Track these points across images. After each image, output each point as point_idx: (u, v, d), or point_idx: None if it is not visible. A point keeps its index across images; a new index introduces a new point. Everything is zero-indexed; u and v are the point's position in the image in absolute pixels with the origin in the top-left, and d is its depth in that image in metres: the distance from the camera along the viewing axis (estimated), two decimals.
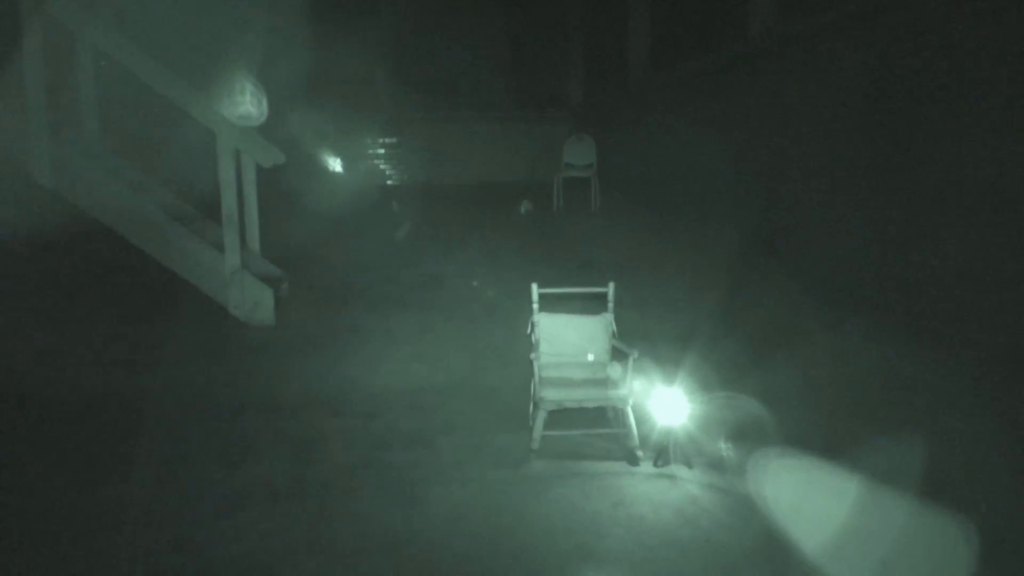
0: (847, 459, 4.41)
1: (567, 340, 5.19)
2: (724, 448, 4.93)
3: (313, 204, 9.63)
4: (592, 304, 5.35)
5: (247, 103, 6.24)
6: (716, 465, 4.85)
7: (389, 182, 13.26)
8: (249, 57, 9.87)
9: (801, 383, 5.21)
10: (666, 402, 4.90)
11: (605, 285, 5.23)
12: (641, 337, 5.57)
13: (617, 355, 5.17)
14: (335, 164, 12.52)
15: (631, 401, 4.89)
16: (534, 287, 5.17)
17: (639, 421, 4.92)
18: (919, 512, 3.96)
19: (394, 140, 13.18)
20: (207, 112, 6.42)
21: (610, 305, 5.21)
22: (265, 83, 9.73)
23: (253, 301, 6.59)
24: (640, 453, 4.87)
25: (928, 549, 3.84)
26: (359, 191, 12.05)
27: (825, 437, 4.68)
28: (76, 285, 6.03)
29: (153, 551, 3.84)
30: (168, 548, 3.87)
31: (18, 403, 5.03)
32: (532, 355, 4.96)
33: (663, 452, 4.83)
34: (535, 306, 5.18)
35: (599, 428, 5.20)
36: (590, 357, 5.07)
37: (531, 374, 5.03)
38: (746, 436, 4.96)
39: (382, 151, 13.21)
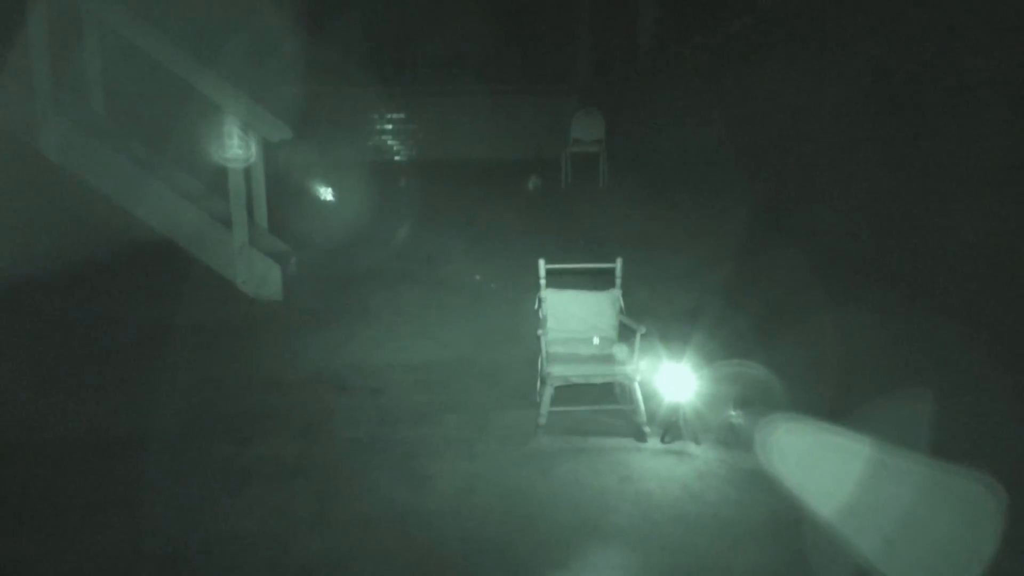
0: (854, 427, 4.41)
1: (574, 316, 5.17)
2: (733, 416, 4.93)
3: (321, 181, 9.63)
4: (600, 280, 5.32)
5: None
6: (725, 434, 4.85)
7: (397, 158, 13.23)
8: (255, 33, 9.84)
9: (809, 359, 5.19)
10: (673, 378, 4.89)
11: (612, 261, 5.21)
12: (649, 313, 5.56)
13: (624, 331, 5.15)
14: (339, 143, 12.48)
15: (638, 377, 4.87)
16: (541, 263, 5.14)
17: (646, 397, 4.91)
18: (926, 482, 3.96)
19: (402, 116, 13.13)
20: (213, 86, 6.39)
21: (618, 281, 5.19)
22: (269, 59, 9.71)
23: (261, 277, 6.61)
24: (647, 429, 4.86)
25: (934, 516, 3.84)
26: (366, 168, 12.02)
27: (832, 411, 4.67)
28: (83, 259, 6.04)
29: (161, 527, 3.86)
30: (175, 524, 3.89)
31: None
32: (539, 331, 4.94)
33: (670, 428, 4.83)
34: (542, 282, 5.15)
35: (606, 404, 5.20)
36: (596, 341, 5.04)
37: (538, 350, 5.02)
38: (754, 403, 4.95)
39: (390, 127, 13.17)
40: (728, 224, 7.13)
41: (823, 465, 4.49)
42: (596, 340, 5.04)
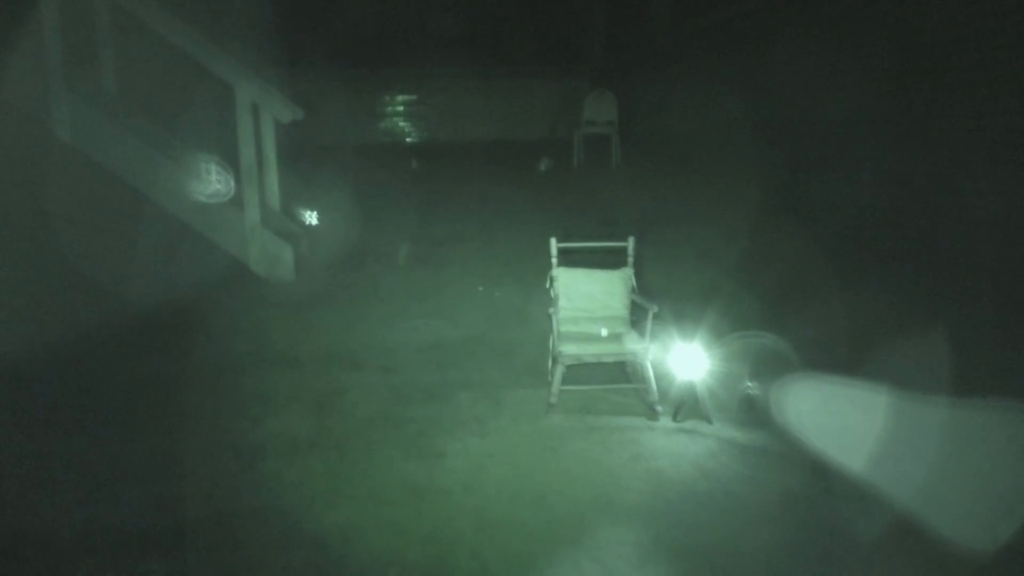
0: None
1: (586, 295, 5.17)
2: (750, 386, 4.92)
3: (334, 163, 9.62)
4: (612, 259, 5.31)
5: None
6: (741, 405, 4.85)
7: (409, 140, 13.20)
8: (266, 14, 9.82)
9: (822, 337, 5.16)
10: (685, 357, 4.88)
11: (624, 240, 5.19)
12: (661, 292, 5.55)
13: (637, 310, 5.14)
14: (351, 125, 12.45)
15: (650, 356, 4.87)
16: (553, 241, 5.14)
17: (658, 376, 4.90)
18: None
19: (413, 97, 13.09)
20: (225, 66, 6.39)
21: (629, 260, 5.17)
22: (281, 41, 9.69)
23: (273, 257, 6.62)
24: (659, 408, 4.86)
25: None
26: (378, 150, 12.01)
27: (847, 370, 4.68)
28: (95, 240, 6.06)
29: (176, 502, 3.88)
30: (191, 499, 3.92)
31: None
32: (551, 309, 4.94)
33: (682, 407, 4.83)
34: (554, 260, 5.15)
35: (618, 383, 5.20)
36: (604, 332, 5.00)
37: (549, 329, 5.02)
38: (769, 371, 4.94)
39: (401, 109, 13.13)
40: (742, 203, 7.09)
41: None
42: (604, 332, 5.01)
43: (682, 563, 3.48)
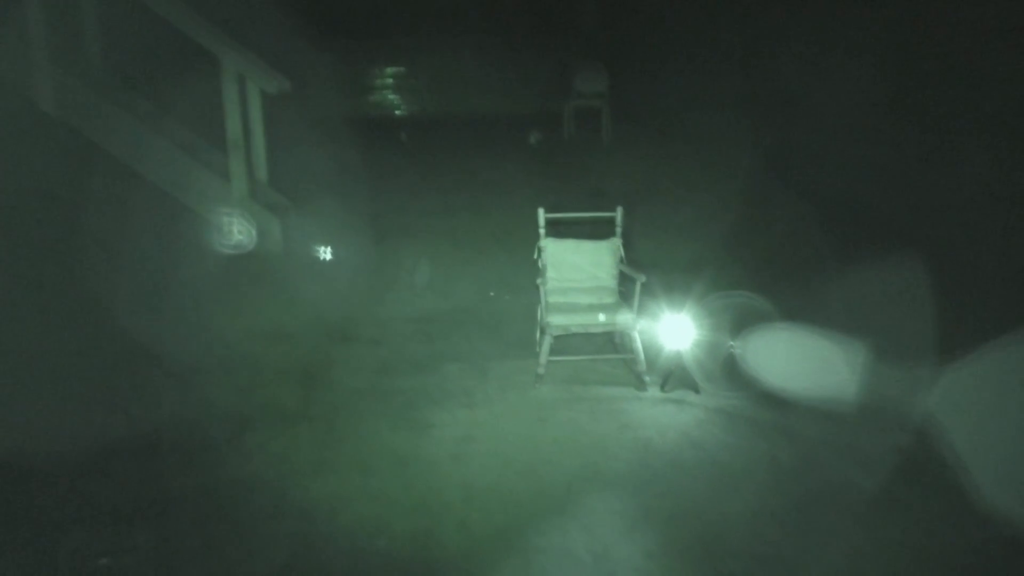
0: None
1: (574, 265, 5.15)
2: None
3: (322, 136, 9.53)
4: (600, 230, 5.29)
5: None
6: (725, 365, 4.87)
7: (398, 112, 13.09)
8: None
9: (811, 306, 5.17)
10: (673, 327, 4.88)
11: (613, 210, 5.17)
12: (650, 264, 5.53)
13: (625, 280, 5.13)
14: (339, 98, 12.32)
15: (638, 326, 4.86)
16: (541, 212, 5.11)
17: (646, 346, 4.90)
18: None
19: (402, 69, 12.97)
20: (210, 36, 6.30)
21: (618, 230, 5.15)
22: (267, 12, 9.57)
23: (261, 230, 6.57)
24: (647, 378, 4.86)
25: None
26: (367, 123, 11.91)
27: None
28: (82, 213, 6.01)
29: (163, 474, 3.88)
30: (177, 471, 3.91)
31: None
32: (538, 280, 4.92)
33: (670, 376, 4.83)
34: (542, 231, 5.13)
35: (606, 353, 5.20)
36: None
37: (538, 301, 5.00)
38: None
39: (390, 80, 13.02)
40: (734, 174, 7.06)
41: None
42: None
43: (669, 530, 3.49)
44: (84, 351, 5.14)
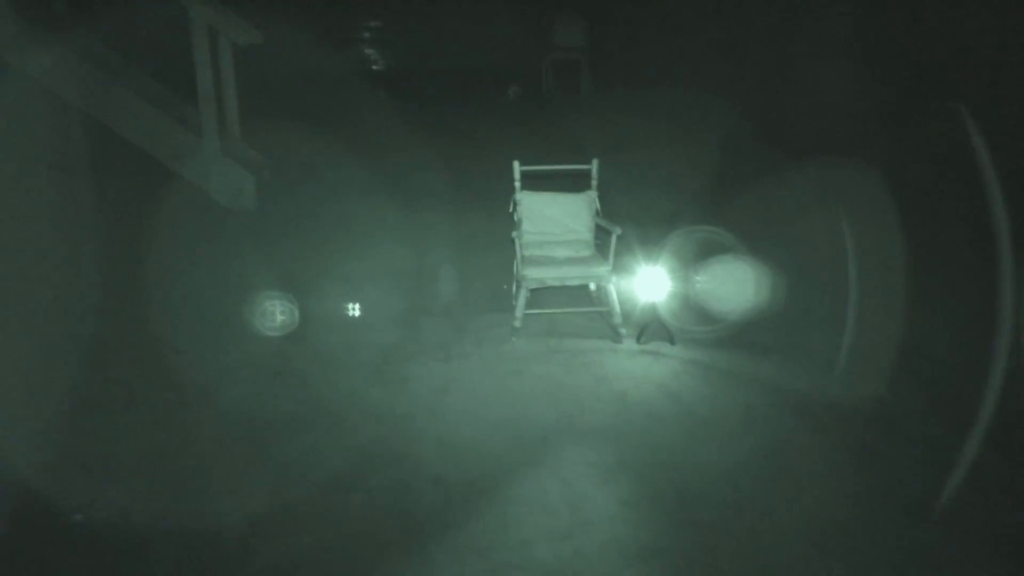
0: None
1: (550, 218, 5.12)
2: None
3: (297, 92, 9.39)
4: (577, 184, 5.25)
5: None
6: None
7: (375, 68, 12.91)
8: None
9: (786, 259, 5.18)
10: (649, 279, 4.87)
11: (589, 163, 5.13)
12: (627, 217, 5.51)
13: (601, 233, 5.11)
14: (314, 53, 12.11)
15: (614, 279, 4.85)
16: (516, 165, 5.06)
17: (622, 298, 4.90)
18: None
19: (379, 24, 12.76)
20: None
21: (594, 183, 5.12)
22: None
23: (235, 187, 6.49)
24: (623, 330, 4.86)
25: None
26: (343, 79, 11.74)
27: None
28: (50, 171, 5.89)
29: (135, 429, 3.86)
30: (150, 426, 3.89)
31: None
32: (514, 233, 4.89)
33: (646, 329, 4.83)
34: (517, 184, 5.08)
35: (582, 306, 5.19)
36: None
37: (514, 255, 4.98)
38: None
39: (367, 35, 12.82)
40: (714, 128, 7.01)
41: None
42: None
43: (644, 481, 3.51)
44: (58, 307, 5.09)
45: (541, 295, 4.99)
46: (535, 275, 4.78)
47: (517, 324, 4.82)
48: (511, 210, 5.10)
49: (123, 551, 3.06)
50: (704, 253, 5.11)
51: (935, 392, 4.22)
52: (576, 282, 4.96)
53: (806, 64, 5.88)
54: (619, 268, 4.94)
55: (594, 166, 5.09)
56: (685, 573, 2.95)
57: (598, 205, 5.09)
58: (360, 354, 4.65)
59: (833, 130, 5.44)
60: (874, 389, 4.24)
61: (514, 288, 5.03)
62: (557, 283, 4.87)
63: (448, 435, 3.85)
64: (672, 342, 4.79)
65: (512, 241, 4.91)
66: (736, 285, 4.98)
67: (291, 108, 8.50)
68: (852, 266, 4.79)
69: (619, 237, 4.82)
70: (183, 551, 3.05)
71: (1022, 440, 3.75)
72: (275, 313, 5.47)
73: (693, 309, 4.98)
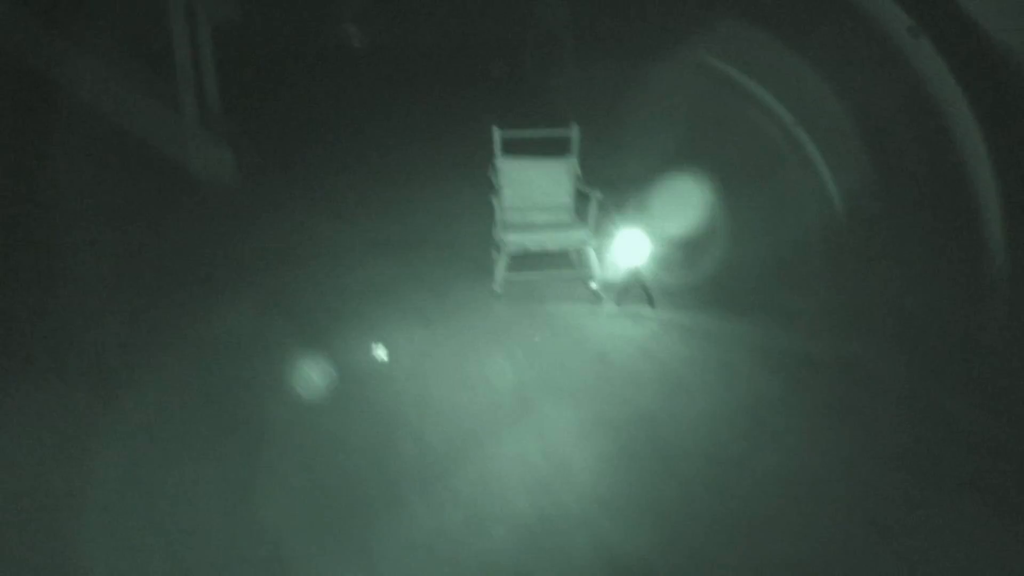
0: None
1: (530, 183, 5.12)
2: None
3: (277, 66, 9.35)
4: (557, 150, 5.25)
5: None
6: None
7: (356, 44, 12.85)
8: None
9: (764, 216, 5.20)
10: (629, 243, 4.89)
11: (568, 128, 5.13)
12: (607, 183, 5.51)
13: (581, 199, 5.11)
14: (295, 29, 12.04)
15: (594, 243, 4.87)
16: (496, 131, 5.06)
17: (602, 262, 4.91)
18: None
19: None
20: None
21: (574, 148, 5.12)
22: None
23: (214, 160, 6.47)
24: (603, 294, 4.88)
25: None
26: (323, 55, 11.68)
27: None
28: (33, 147, 5.87)
29: (120, 401, 3.86)
30: (133, 392, 3.89)
31: None
32: (494, 199, 4.89)
33: (626, 292, 4.86)
34: (497, 150, 5.08)
35: (562, 270, 5.20)
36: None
37: (494, 224, 4.98)
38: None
39: (347, 10, 12.74)
40: (694, 87, 7.00)
41: None
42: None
43: (622, 436, 3.54)
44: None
45: (521, 259, 5.00)
46: (516, 240, 4.78)
47: (498, 289, 4.83)
48: (491, 176, 5.10)
49: None
50: (682, 212, 5.13)
51: (910, 348, 4.27)
52: (556, 247, 4.97)
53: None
54: (599, 232, 4.95)
55: (573, 131, 5.09)
56: (662, 522, 2.98)
57: (578, 170, 5.09)
58: (343, 320, 4.65)
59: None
60: (851, 346, 4.28)
61: (494, 254, 5.04)
62: (537, 248, 4.88)
63: (427, 396, 3.87)
64: (652, 305, 4.81)
65: (492, 208, 4.91)
66: (710, 240, 5.01)
67: (274, 83, 8.47)
68: (827, 224, 4.83)
69: (599, 202, 4.83)
70: None
71: (993, 392, 3.81)
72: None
73: (673, 269, 5.01)
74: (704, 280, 5.03)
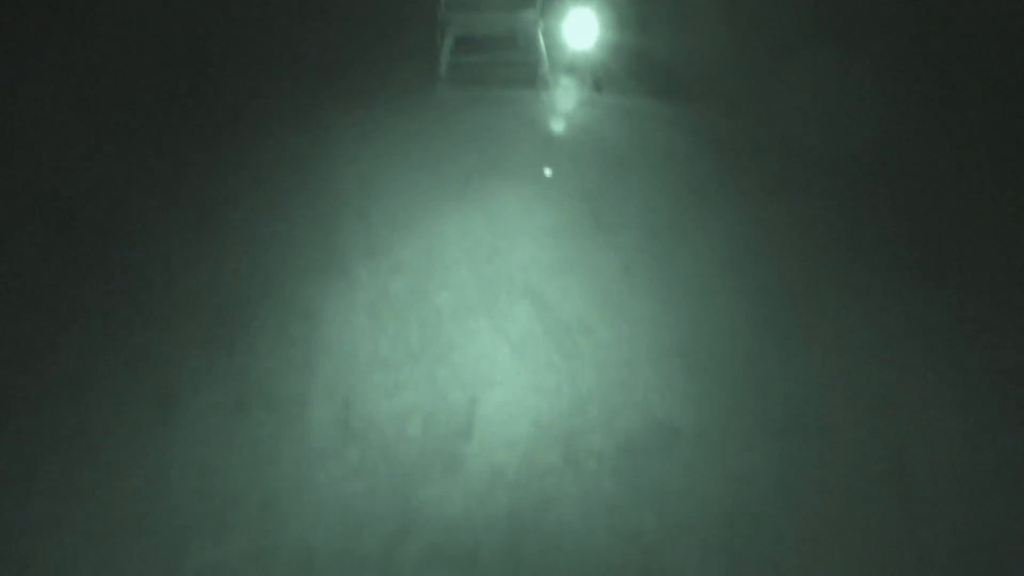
0: None
1: None
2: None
3: None
4: None
5: None
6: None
7: None
8: None
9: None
10: (578, 24, 4.74)
11: None
12: None
13: None
14: None
15: (542, 25, 4.70)
16: None
17: (550, 44, 4.77)
18: None
19: None
20: None
21: None
22: None
23: None
24: (551, 77, 4.77)
25: None
26: None
27: None
28: None
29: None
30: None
31: None
32: None
33: (575, 75, 4.75)
34: None
35: (509, 52, 5.03)
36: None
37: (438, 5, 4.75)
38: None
39: None
40: None
41: None
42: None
43: (564, 211, 3.58)
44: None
45: (467, 41, 4.81)
46: (460, 20, 4.59)
47: (443, 72, 4.68)
48: None
49: None
50: None
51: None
52: (503, 28, 4.78)
53: None
54: (547, 11, 4.77)
55: None
56: (601, 285, 3.07)
57: None
58: (280, 97, 4.50)
59: None
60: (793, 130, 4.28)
61: (438, 36, 4.84)
62: (484, 28, 4.69)
63: (370, 176, 3.83)
64: (599, 89, 4.72)
65: None
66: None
67: None
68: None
69: None
70: None
71: None
72: None
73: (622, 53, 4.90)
74: (654, 65, 4.92)
